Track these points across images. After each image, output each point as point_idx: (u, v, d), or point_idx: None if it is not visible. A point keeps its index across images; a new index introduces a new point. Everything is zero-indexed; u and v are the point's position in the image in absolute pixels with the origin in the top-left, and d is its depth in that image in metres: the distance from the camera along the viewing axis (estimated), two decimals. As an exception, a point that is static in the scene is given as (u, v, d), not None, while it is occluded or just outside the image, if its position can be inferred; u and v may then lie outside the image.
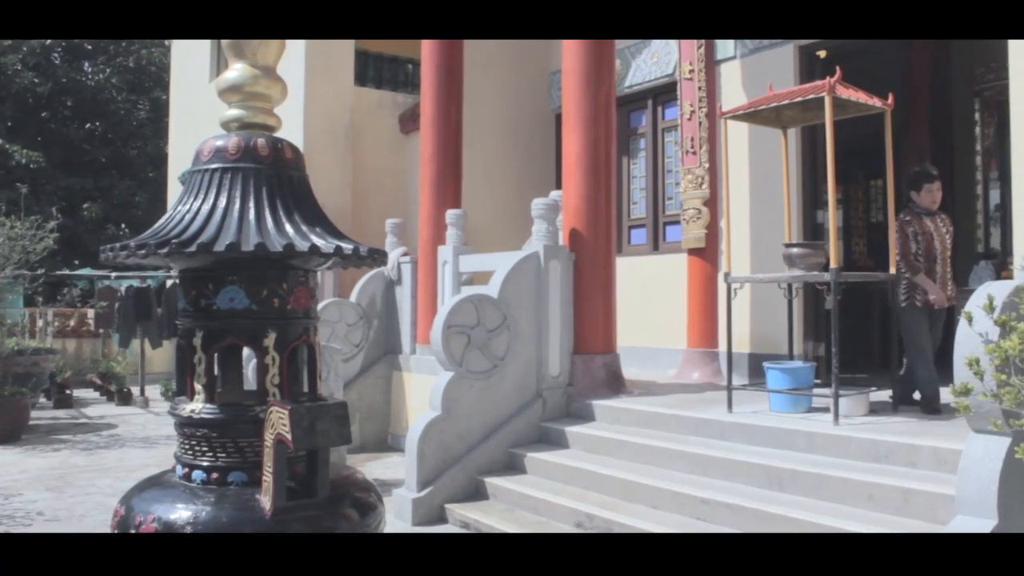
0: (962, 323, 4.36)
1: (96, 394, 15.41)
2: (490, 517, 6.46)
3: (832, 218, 6.41)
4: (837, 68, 6.54)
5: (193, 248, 3.17)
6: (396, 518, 6.76)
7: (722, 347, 8.45)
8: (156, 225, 3.47)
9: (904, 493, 5.01)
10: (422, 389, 8.84)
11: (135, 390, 14.33)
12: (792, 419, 6.35)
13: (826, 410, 6.33)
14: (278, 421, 3.11)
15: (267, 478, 3.18)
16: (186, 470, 3.45)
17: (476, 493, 7.02)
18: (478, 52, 11.17)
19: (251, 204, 3.40)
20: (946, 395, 6.44)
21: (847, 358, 6.43)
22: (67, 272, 18.41)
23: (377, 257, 3.56)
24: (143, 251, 3.23)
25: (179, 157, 17.59)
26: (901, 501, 5.01)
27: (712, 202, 8.89)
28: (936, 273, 6.49)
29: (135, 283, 14.46)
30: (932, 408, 6.39)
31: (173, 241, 3.20)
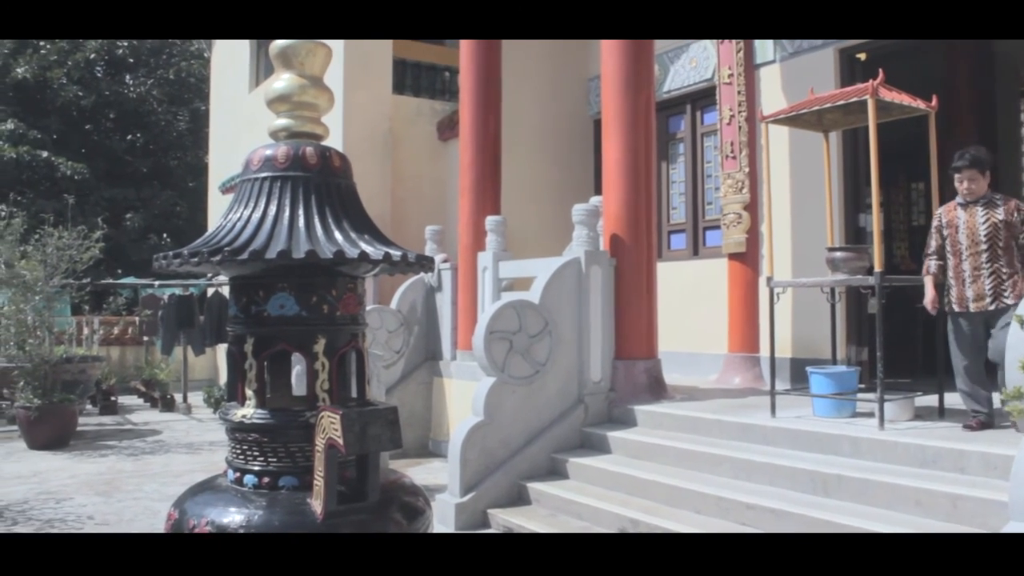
0: (1013, 326, 4.32)
1: (140, 401, 15.61)
2: (533, 522, 6.47)
3: (876, 221, 6.36)
4: (880, 70, 6.50)
5: (245, 255, 3.21)
6: (439, 523, 6.78)
7: (764, 352, 8.43)
8: (208, 233, 3.53)
9: (953, 499, 4.95)
10: (463, 395, 8.87)
11: (178, 397, 14.51)
12: (836, 424, 6.30)
13: (870, 415, 6.28)
14: (329, 426, 3.15)
15: (318, 482, 3.22)
16: (238, 474, 3.49)
17: (519, 498, 7.04)
18: (516, 59, 11.21)
19: (300, 212, 3.45)
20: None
21: (891, 363, 6.35)
22: (112, 281, 18.69)
23: (425, 263, 3.59)
24: (196, 259, 3.28)
25: (219, 167, 17.81)
26: (950, 507, 4.95)
27: (752, 206, 8.84)
28: (963, 271, 5.91)
29: (178, 291, 14.64)
30: (969, 426, 5.86)
31: (225, 249, 3.24)
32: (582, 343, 7.69)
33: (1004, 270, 5.77)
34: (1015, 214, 5.77)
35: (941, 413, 6.41)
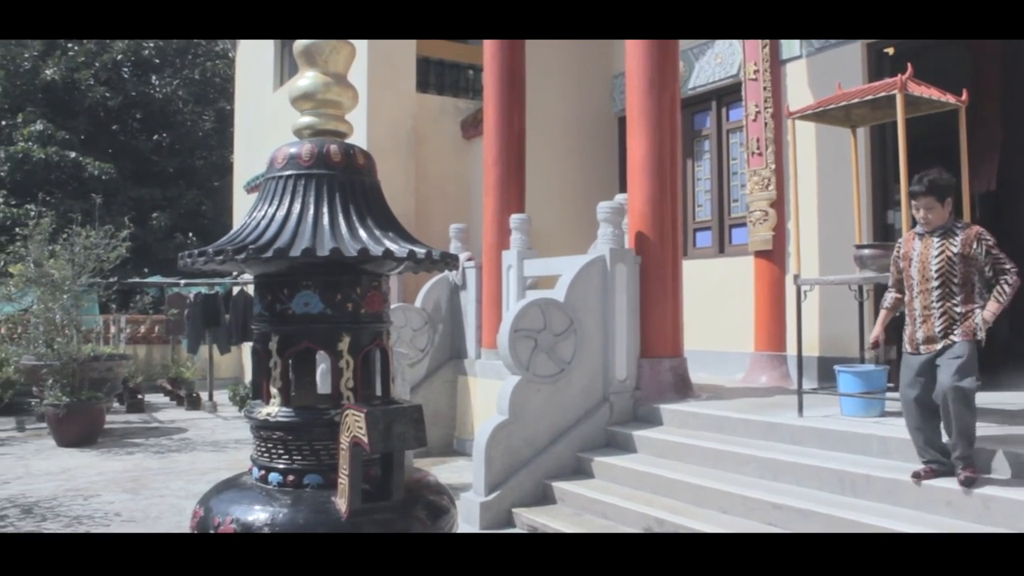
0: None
1: (166, 399, 15.72)
2: (558, 521, 6.44)
3: (904, 218, 6.27)
4: (908, 65, 6.42)
5: (270, 253, 3.21)
6: (464, 522, 6.77)
7: (790, 350, 8.35)
8: (232, 231, 3.53)
9: (985, 500, 4.88)
10: (487, 393, 8.86)
11: (204, 395, 14.59)
12: (865, 423, 6.24)
13: (899, 414, 6.19)
14: (354, 424, 3.14)
15: (343, 480, 3.21)
16: (262, 472, 3.49)
17: (544, 497, 7.02)
18: (540, 56, 11.19)
19: (325, 209, 3.44)
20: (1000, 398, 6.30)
21: (920, 361, 6.27)
22: (138, 280, 18.84)
23: (449, 261, 3.58)
24: (221, 257, 3.28)
25: (243, 166, 17.90)
26: (981, 508, 4.88)
27: (779, 204, 8.77)
28: (914, 309, 5.22)
29: (203, 290, 14.73)
30: (917, 474, 5.21)
31: (250, 247, 3.24)
32: (607, 341, 7.66)
33: (957, 310, 5.04)
34: (973, 245, 4.99)
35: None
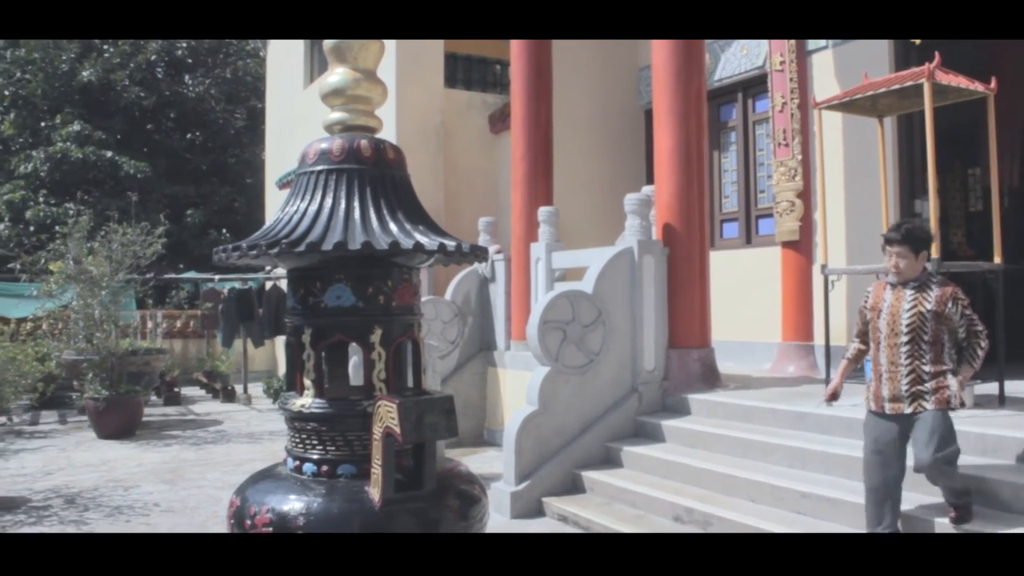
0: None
1: (202, 392, 15.96)
2: (587, 511, 6.52)
3: (933, 207, 6.28)
4: (936, 53, 6.40)
5: (302, 247, 3.29)
6: (495, 511, 6.81)
7: (818, 340, 8.35)
8: (265, 226, 3.62)
9: (1016, 489, 4.89)
10: (517, 385, 8.94)
11: (239, 388, 14.78)
12: (893, 412, 6.23)
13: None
14: (387, 415, 3.22)
15: (376, 470, 3.29)
16: (297, 463, 3.58)
17: (573, 487, 7.09)
18: (566, 51, 11.23)
19: (356, 204, 3.52)
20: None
21: (949, 350, 6.27)
22: (174, 276, 19.08)
23: (479, 253, 3.65)
24: (254, 251, 3.37)
25: (275, 163, 18.08)
26: (1012, 497, 4.89)
27: (806, 194, 8.76)
28: (880, 364, 4.90)
29: (237, 285, 14.90)
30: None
31: (283, 241, 3.33)
32: (635, 332, 7.71)
33: (925, 369, 4.70)
34: (948, 304, 4.69)
35: (1001, 401, 6.31)
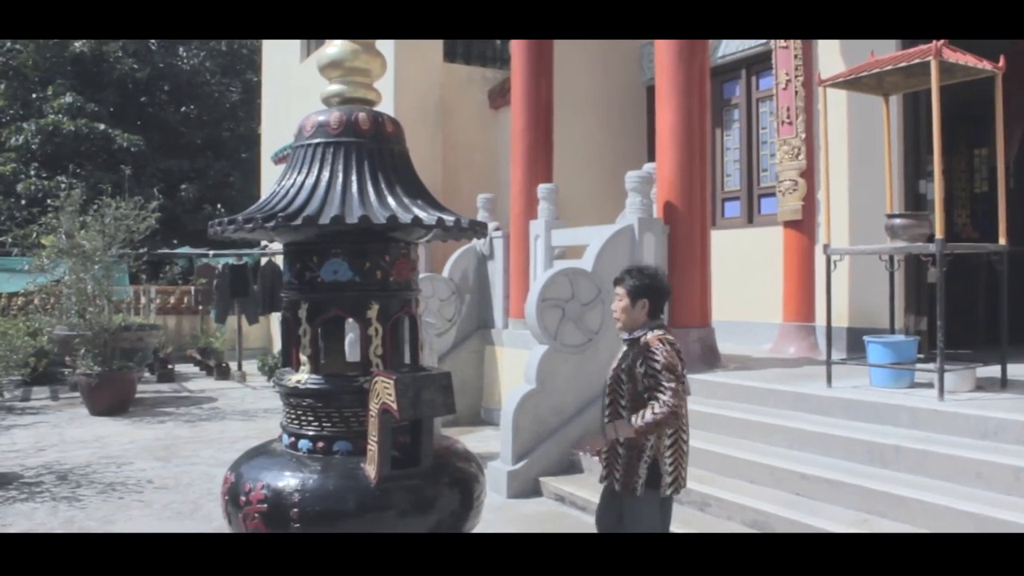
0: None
1: (196, 369, 15.88)
2: (584, 490, 6.45)
3: (938, 187, 6.18)
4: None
5: (299, 221, 3.22)
6: (491, 491, 6.78)
7: (819, 321, 8.28)
8: (262, 200, 3.54)
9: (1016, 472, 4.84)
10: (515, 363, 8.87)
11: (233, 365, 14.72)
12: (894, 394, 6.19)
13: (930, 385, 6.16)
14: (383, 391, 3.16)
15: (372, 447, 3.24)
16: (292, 439, 3.53)
17: (571, 466, 7.03)
18: (567, 25, 11.09)
19: (354, 177, 3.45)
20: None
21: (952, 333, 6.21)
22: (167, 251, 18.97)
23: (477, 228, 3.58)
24: (250, 225, 3.30)
25: (271, 137, 17.93)
26: (1012, 480, 4.84)
27: (809, 173, 8.67)
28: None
29: (232, 261, 14.81)
30: None
31: (279, 215, 3.25)
32: (635, 311, 7.63)
33: (619, 440, 3.81)
34: (640, 358, 3.77)
35: (1004, 384, 6.27)
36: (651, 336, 3.78)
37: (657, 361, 3.67)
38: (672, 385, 3.61)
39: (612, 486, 3.85)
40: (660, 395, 3.62)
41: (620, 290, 3.94)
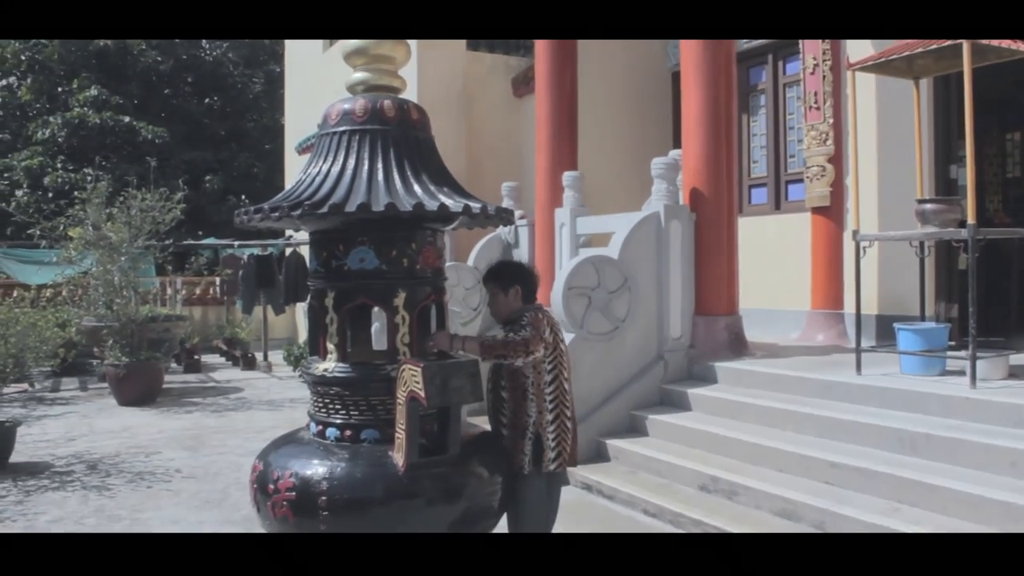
0: None
1: (222, 359, 15.95)
2: (612, 479, 6.43)
3: (970, 171, 6.08)
4: (975, 12, 6.18)
5: (325, 209, 3.20)
6: (517, 479, 6.79)
7: (848, 308, 8.21)
8: (287, 189, 3.53)
9: (1050, 458, 4.77)
10: (540, 352, 8.83)
11: (259, 355, 14.78)
12: (925, 382, 6.11)
13: (961, 373, 6.07)
14: (411, 378, 3.14)
15: (400, 435, 3.22)
16: (319, 427, 3.52)
17: (598, 455, 7.00)
18: (591, 12, 11.01)
19: (379, 165, 3.42)
20: None
21: (984, 320, 6.12)
22: (193, 242, 19.06)
23: (504, 215, 3.55)
24: (276, 213, 3.28)
25: (295, 128, 17.97)
26: (1049, 467, 4.77)
27: (837, 159, 8.58)
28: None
29: (257, 251, 14.85)
30: None
31: (306, 203, 3.24)
32: (661, 299, 7.59)
33: (504, 421, 3.80)
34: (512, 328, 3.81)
35: (1036, 371, 6.18)
36: (528, 314, 3.83)
37: (524, 320, 3.75)
38: (530, 331, 3.66)
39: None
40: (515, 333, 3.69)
41: (492, 287, 3.97)
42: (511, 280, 3.93)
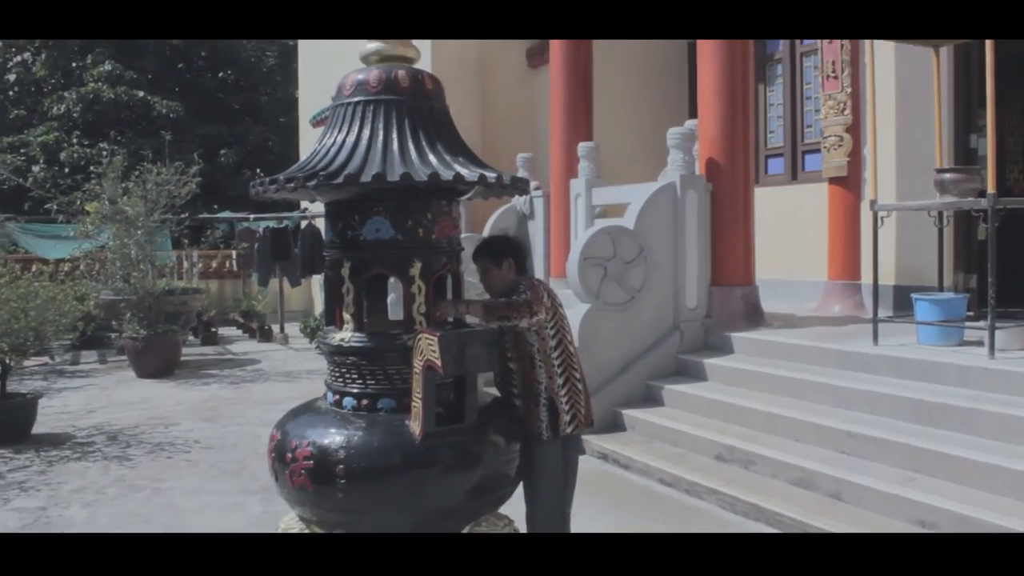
0: None
1: (239, 332, 16.05)
2: (628, 449, 6.45)
3: (991, 140, 6.02)
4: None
5: (340, 179, 3.19)
6: (534, 450, 6.81)
7: (865, 279, 8.17)
8: (302, 159, 3.52)
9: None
10: (556, 323, 8.83)
11: (275, 327, 14.85)
12: (943, 352, 6.09)
13: (979, 343, 6.05)
14: (427, 348, 3.14)
15: (416, 404, 3.23)
16: (336, 397, 3.53)
17: (613, 425, 7.02)
18: (606, -19, 10.91)
19: (394, 135, 3.40)
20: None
21: (1002, 290, 6.06)
22: (208, 216, 19.10)
23: (519, 184, 3.53)
24: (292, 184, 3.27)
25: (309, 101, 17.94)
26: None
27: (855, 128, 8.50)
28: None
29: (272, 224, 14.88)
30: None
31: (321, 173, 3.23)
32: (677, 269, 7.58)
33: (514, 392, 3.74)
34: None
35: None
36: (524, 282, 3.77)
37: (522, 287, 3.70)
38: (530, 294, 3.62)
39: None
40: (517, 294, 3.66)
41: (484, 262, 3.88)
42: (503, 253, 3.88)
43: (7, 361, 7.59)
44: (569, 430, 3.71)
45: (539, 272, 10.14)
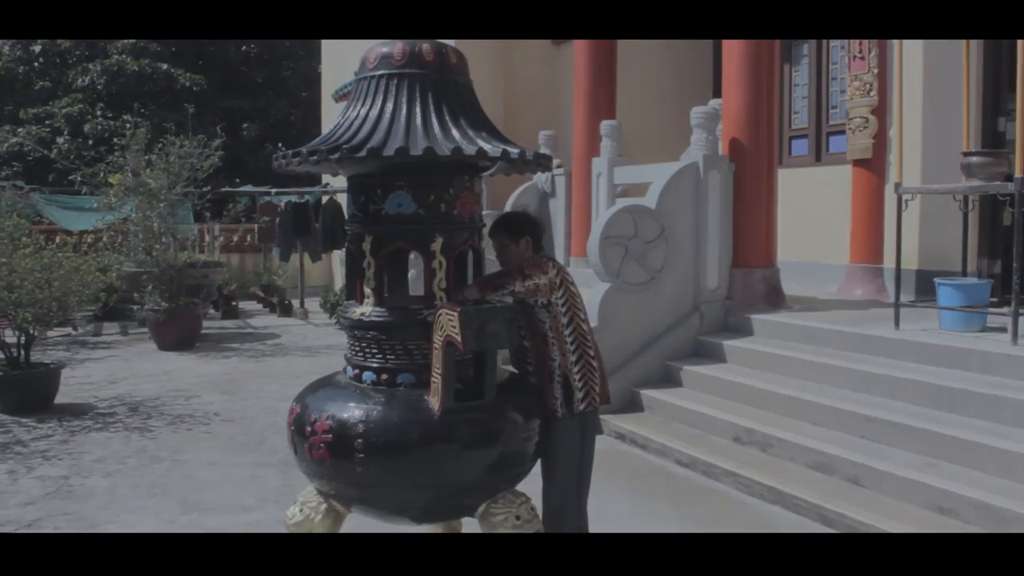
0: None
1: (259, 306, 16.11)
2: (645, 429, 6.45)
3: (1020, 124, 5.93)
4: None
5: (363, 153, 3.18)
6: (551, 428, 6.82)
7: (887, 263, 8.11)
8: (325, 132, 3.52)
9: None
10: (575, 302, 8.83)
11: (295, 302, 14.91)
12: (965, 338, 6.04)
13: (1002, 330, 5.99)
14: (447, 323, 3.14)
15: (435, 379, 3.23)
16: (356, 371, 3.54)
17: (632, 405, 7.02)
18: (631, -42, 10.82)
19: (418, 109, 3.39)
20: None
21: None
22: (230, 189, 19.14)
23: (542, 161, 3.51)
24: (315, 157, 3.27)
25: (332, 75, 17.92)
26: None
27: (881, 110, 8.41)
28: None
29: (294, 198, 14.91)
30: None
31: (344, 147, 3.22)
32: (699, 250, 7.54)
33: (529, 371, 3.76)
34: None
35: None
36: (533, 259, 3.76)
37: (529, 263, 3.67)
38: (534, 271, 3.61)
39: None
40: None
41: (502, 238, 3.78)
42: (521, 230, 3.81)
43: (31, 331, 7.67)
44: (583, 407, 3.70)
45: (559, 251, 10.12)
